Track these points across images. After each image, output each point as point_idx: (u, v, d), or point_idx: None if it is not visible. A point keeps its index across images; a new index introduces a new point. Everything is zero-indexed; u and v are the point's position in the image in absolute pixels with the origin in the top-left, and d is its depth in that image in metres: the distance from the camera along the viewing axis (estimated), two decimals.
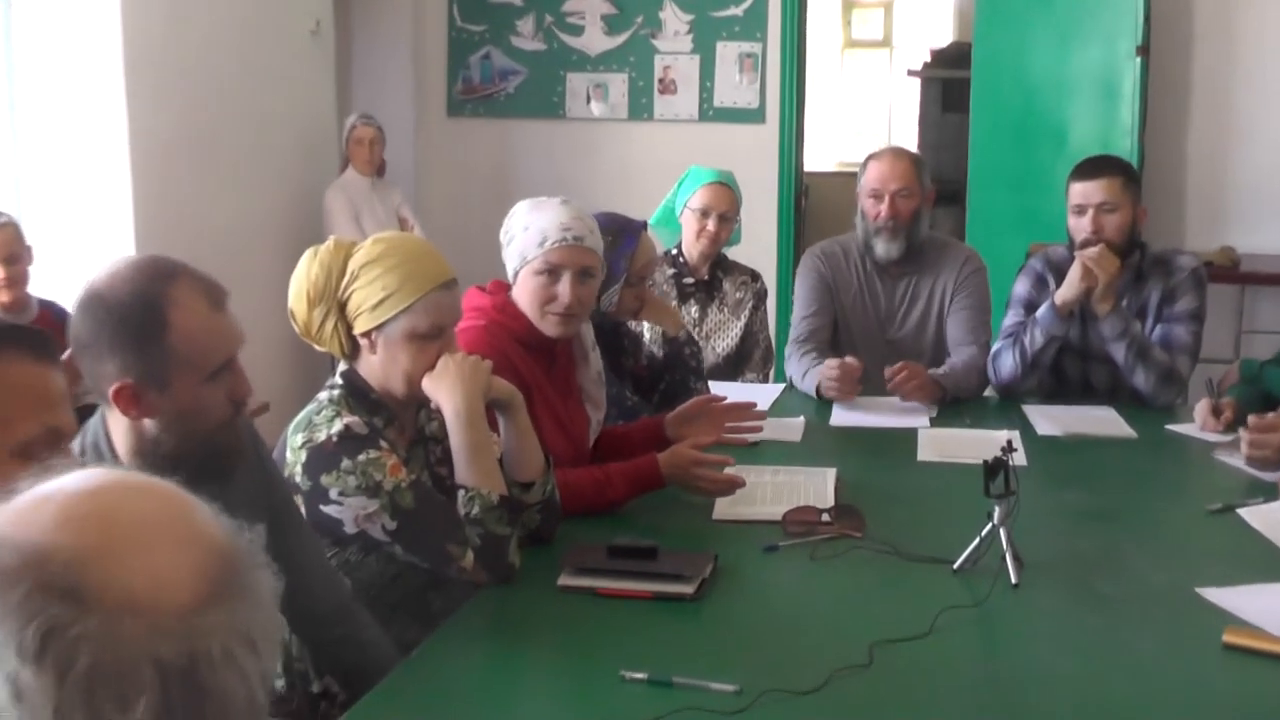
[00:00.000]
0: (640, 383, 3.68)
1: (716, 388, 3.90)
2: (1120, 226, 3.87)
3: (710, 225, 4.30)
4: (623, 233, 3.38)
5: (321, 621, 2.27)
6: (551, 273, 2.91)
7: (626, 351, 3.63)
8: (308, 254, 2.44)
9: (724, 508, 2.85)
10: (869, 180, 4.16)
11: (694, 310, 4.40)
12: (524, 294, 2.95)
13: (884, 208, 4.11)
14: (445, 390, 2.42)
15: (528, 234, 2.93)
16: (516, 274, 2.97)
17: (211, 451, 1.96)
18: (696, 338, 4.08)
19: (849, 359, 3.88)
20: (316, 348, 2.49)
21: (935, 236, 4.33)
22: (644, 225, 3.49)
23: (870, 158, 4.21)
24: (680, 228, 4.39)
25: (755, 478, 3.03)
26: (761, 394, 4.07)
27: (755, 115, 7.04)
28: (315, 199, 6.34)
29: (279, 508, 2.20)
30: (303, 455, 2.31)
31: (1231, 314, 6.16)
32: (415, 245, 2.49)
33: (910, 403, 3.85)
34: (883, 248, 4.15)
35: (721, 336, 4.40)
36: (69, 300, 2.00)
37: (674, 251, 4.42)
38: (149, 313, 1.89)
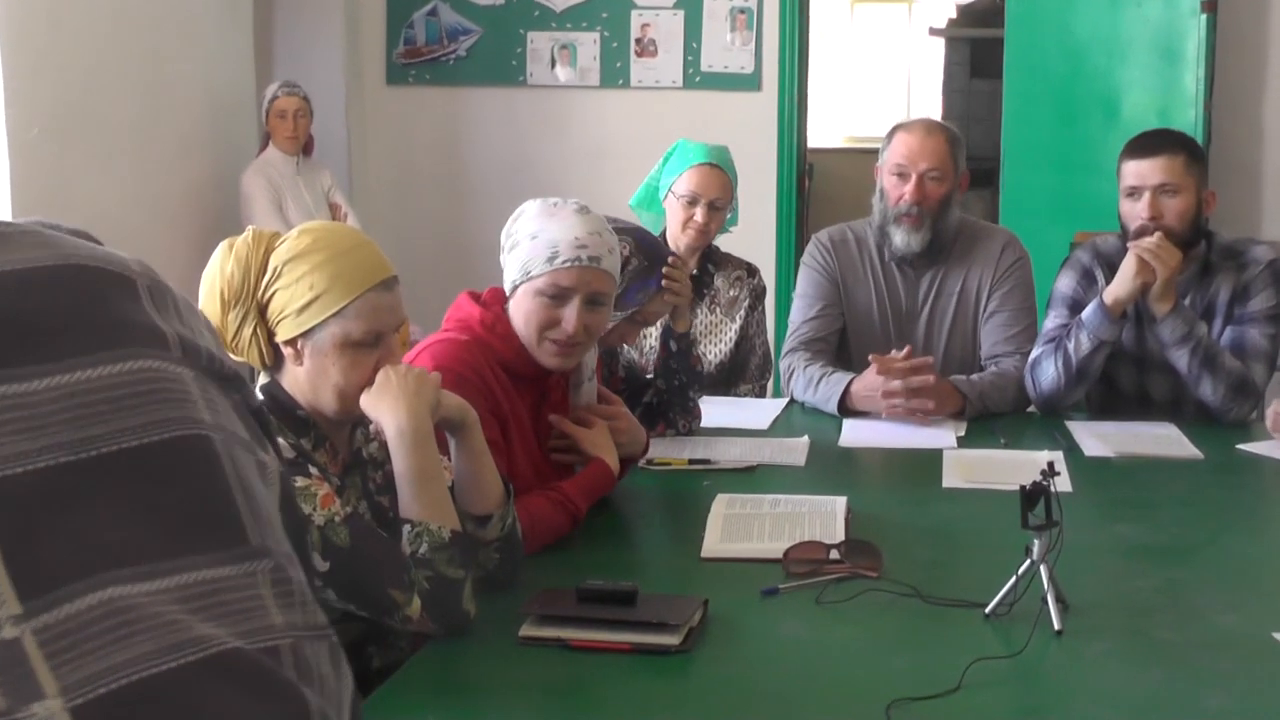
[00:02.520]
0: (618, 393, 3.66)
1: (707, 403, 3.91)
2: (1183, 212, 3.89)
3: (698, 216, 4.29)
4: (656, 265, 3.39)
5: None
6: (557, 296, 2.93)
7: (601, 363, 3.64)
8: (222, 247, 2.45)
9: (715, 545, 2.87)
10: (894, 155, 4.17)
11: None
12: (521, 313, 2.96)
13: (909, 190, 4.13)
14: (387, 408, 2.42)
15: (535, 244, 2.92)
16: (515, 288, 2.97)
17: None
18: None
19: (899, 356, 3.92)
20: (233, 357, 2.50)
21: (967, 220, 4.35)
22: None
23: (898, 128, 4.24)
24: (665, 210, 4.39)
25: (751, 509, 3.05)
26: (760, 411, 4.09)
27: (750, 81, 7.07)
28: (230, 182, 6.34)
29: None
30: None
31: None
32: (348, 237, 2.50)
33: (921, 416, 3.89)
34: (902, 238, 4.17)
35: (714, 341, 4.40)
36: None
37: None
38: None
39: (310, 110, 6.48)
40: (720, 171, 4.32)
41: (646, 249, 3.37)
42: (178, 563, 0.79)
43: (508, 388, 2.95)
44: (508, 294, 3.00)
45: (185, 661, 0.76)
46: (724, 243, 4.53)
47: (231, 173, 6.37)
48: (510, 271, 2.97)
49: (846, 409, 4.00)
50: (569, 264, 2.91)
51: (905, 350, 3.93)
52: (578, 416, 3.13)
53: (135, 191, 5.82)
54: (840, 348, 4.30)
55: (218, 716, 0.76)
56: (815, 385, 4.08)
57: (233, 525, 0.83)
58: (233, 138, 6.59)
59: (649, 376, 3.81)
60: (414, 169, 7.33)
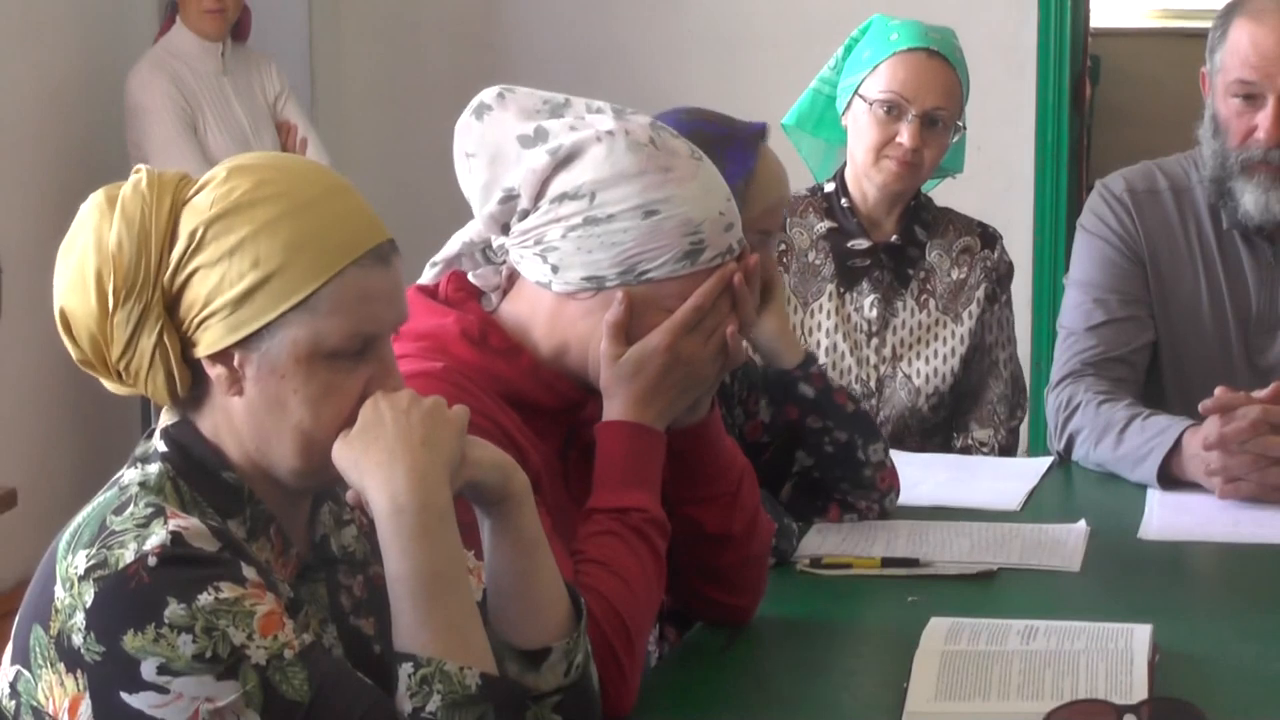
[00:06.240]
0: (755, 450, 3.61)
1: (904, 459, 3.89)
2: None
3: (904, 136, 4.24)
4: (725, 142, 3.37)
5: None
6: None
7: (735, 397, 3.64)
8: (96, 202, 2.42)
9: (925, 702, 2.88)
10: (1234, 63, 4.15)
11: (869, 304, 4.42)
12: (589, 329, 2.98)
13: (1268, 122, 4.11)
14: (376, 466, 2.42)
15: (662, 225, 2.92)
16: (599, 284, 2.96)
17: None
18: (879, 361, 4.12)
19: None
20: (109, 387, 2.50)
21: None
22: (764, 131, 3.48)
23: (1236, 12, 4.20)
24: (844, 137, 4.37)
25: (987, 644, 3.05)
26: (1005, 476, 4.08)
27: None
28: (110, 87, 6.41)
29: None
30: (88, 595, 2.33)
31: None
32: (313, 180, 2.48)
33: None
34: (1256, 199, 4.16)
35: (928, 356, 4.37)
36: None
37: (829, 187, 4.42)
38: None
39: None
40: (945, 65, 4.30)
41: (702, 132, 3.28)
42: None
43: (523, 427, 2.97)
44: (559, 288, 2.99)
45: None
46: (941, 192, 4.52)
47: (111, 72, 6.44)
48: (580, 257, 2.94)
49: (1171, 477, 3.98)
50: (720, 260, 2.96)
51: (1271, 390, 3.89)
52: None
53: None
54: (1150, 372, 4.29)
55: None
56: (1117, 435, 4.06)
57: None
58: (113, 15, 6.67)
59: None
60: (420, 67, 7.39)
